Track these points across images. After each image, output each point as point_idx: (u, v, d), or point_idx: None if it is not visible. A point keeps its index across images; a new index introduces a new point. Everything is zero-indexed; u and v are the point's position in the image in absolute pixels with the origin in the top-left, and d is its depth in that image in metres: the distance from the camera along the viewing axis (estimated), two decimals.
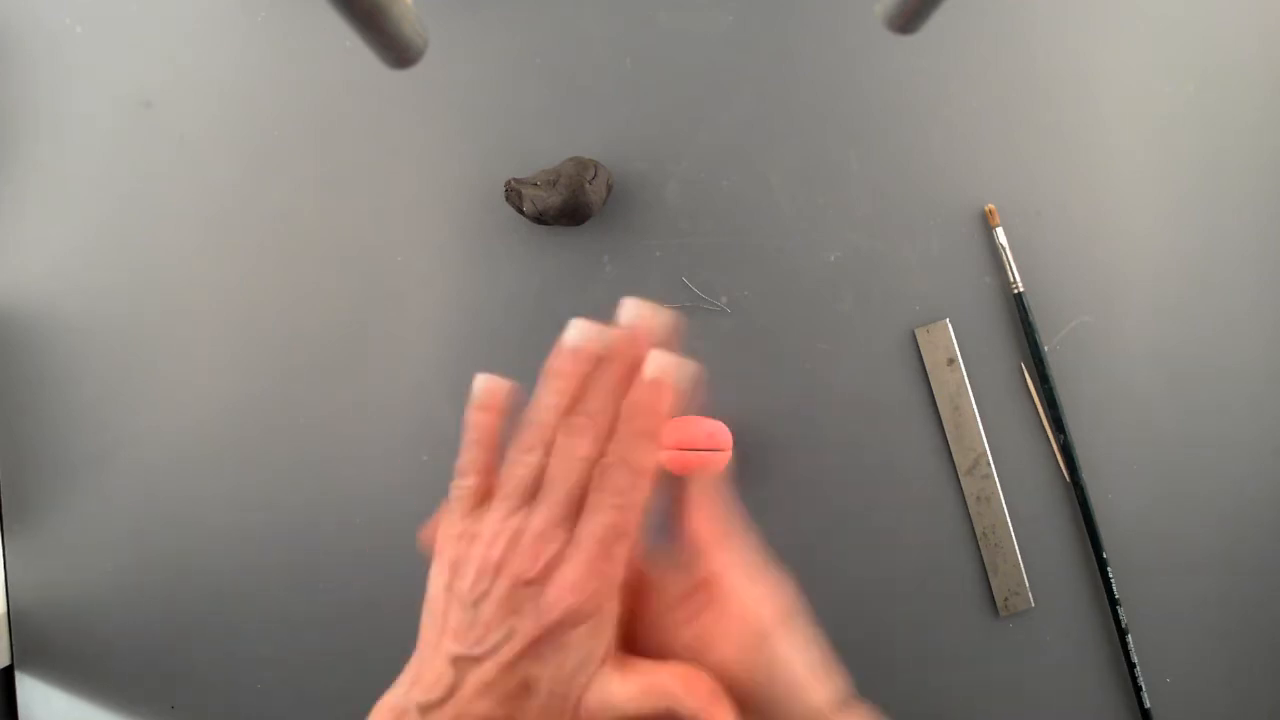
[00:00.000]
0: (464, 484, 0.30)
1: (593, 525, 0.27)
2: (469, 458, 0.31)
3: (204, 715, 0.54)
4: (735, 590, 0.30)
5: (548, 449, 0.29)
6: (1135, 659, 0.50)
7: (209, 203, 0.53)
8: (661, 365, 0.29)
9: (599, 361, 0.29)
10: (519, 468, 0.29)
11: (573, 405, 0.29)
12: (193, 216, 0.53)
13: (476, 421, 0.31)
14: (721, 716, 0.28)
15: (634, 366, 0.29)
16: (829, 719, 0.29)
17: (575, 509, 0.28)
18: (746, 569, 0.31)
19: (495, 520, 0.28)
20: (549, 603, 0.27)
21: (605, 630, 0.28)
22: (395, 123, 0.53)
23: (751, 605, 0.30)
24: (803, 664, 0.29)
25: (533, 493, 0.28)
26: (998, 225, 0.50)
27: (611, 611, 0.28)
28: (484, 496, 0.30)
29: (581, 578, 0.27)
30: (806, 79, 0.51)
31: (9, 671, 0.54)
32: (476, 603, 0.27)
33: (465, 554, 0.28)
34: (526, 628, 0.27)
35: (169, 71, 0.53)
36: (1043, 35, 0.51)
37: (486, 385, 0.31)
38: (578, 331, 0.30)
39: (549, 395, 0.29)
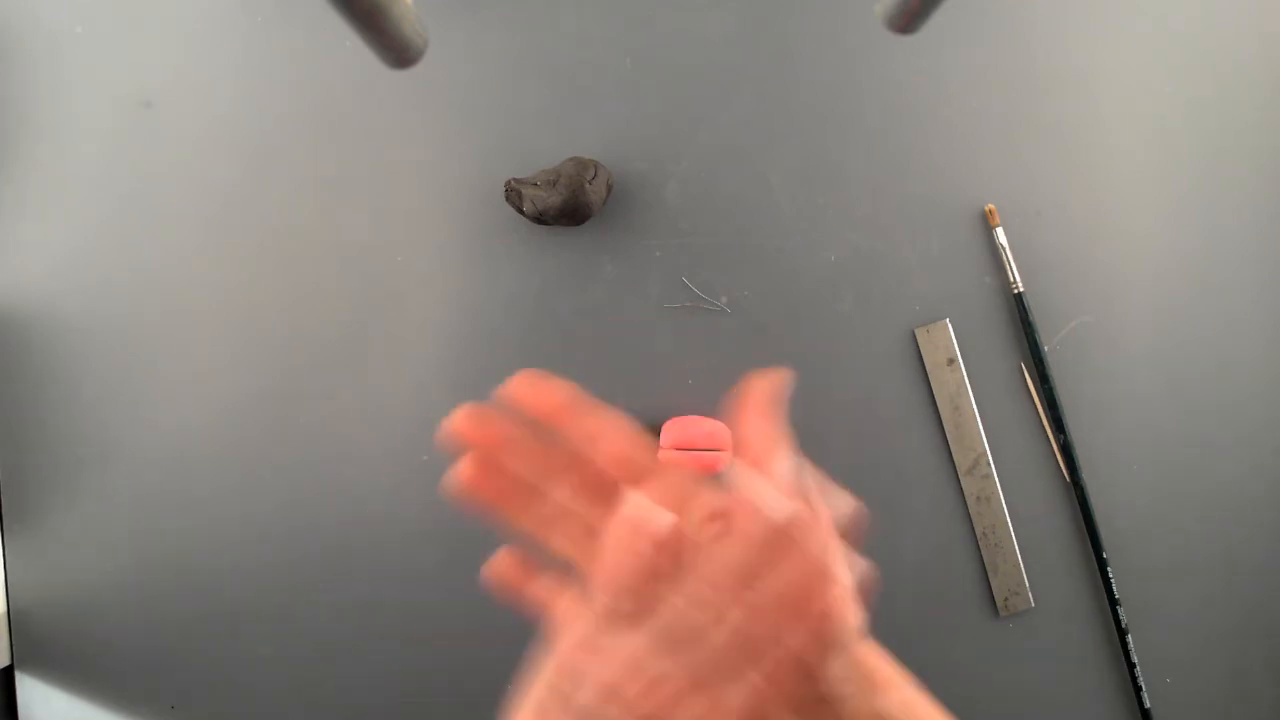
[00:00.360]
0: (615, 603, 0.28)
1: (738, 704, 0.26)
2: (633, 583, 0.28)
3: (204, 715, 0.54)
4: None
5: (721, 612, 0.27)
6: (1135, 659, 0.50)
7: (209, 203, 0.53)
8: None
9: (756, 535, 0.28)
10: (682, 615, 0.27)
11: (740, 578, 0.27)
12: (193, 216, 0.53)
13: (652, 557, 0.28)
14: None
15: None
16: (854, 644, 0.28)
17: (727, 678, 0.26)
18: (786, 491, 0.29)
19: (638, 651, 0.27)
20: None
21: None
22: (395, 123, 0.53)
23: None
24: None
25: (683, 642, 0.27)
26: (998, 225, 0.50)
27: None
28: (626, 620, 0.28)
29: None
30: (806, 79, 0.51)
31: (9, 671, 0.54)
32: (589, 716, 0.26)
33: (587, 668, 0.27)
34: None
35: (169, 71, 0.53)
36: (1043, 35, 0.51)
37: (669, 521, 0.28)
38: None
39: (725, 567, 0.27)
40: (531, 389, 0.30)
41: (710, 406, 0.51)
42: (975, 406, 0.51)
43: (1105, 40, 0.51)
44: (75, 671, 0.54)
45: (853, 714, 0.28)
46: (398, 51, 0.26)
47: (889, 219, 0.51)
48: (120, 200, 0.53)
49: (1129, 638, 0.50)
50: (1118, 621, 0.50)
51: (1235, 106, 0.51)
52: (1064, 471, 0.51)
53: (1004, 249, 0.50)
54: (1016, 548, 0.51)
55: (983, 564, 0.51)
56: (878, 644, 0.30)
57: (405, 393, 0.53)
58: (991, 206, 0.50)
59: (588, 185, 0.48)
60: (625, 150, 0.52)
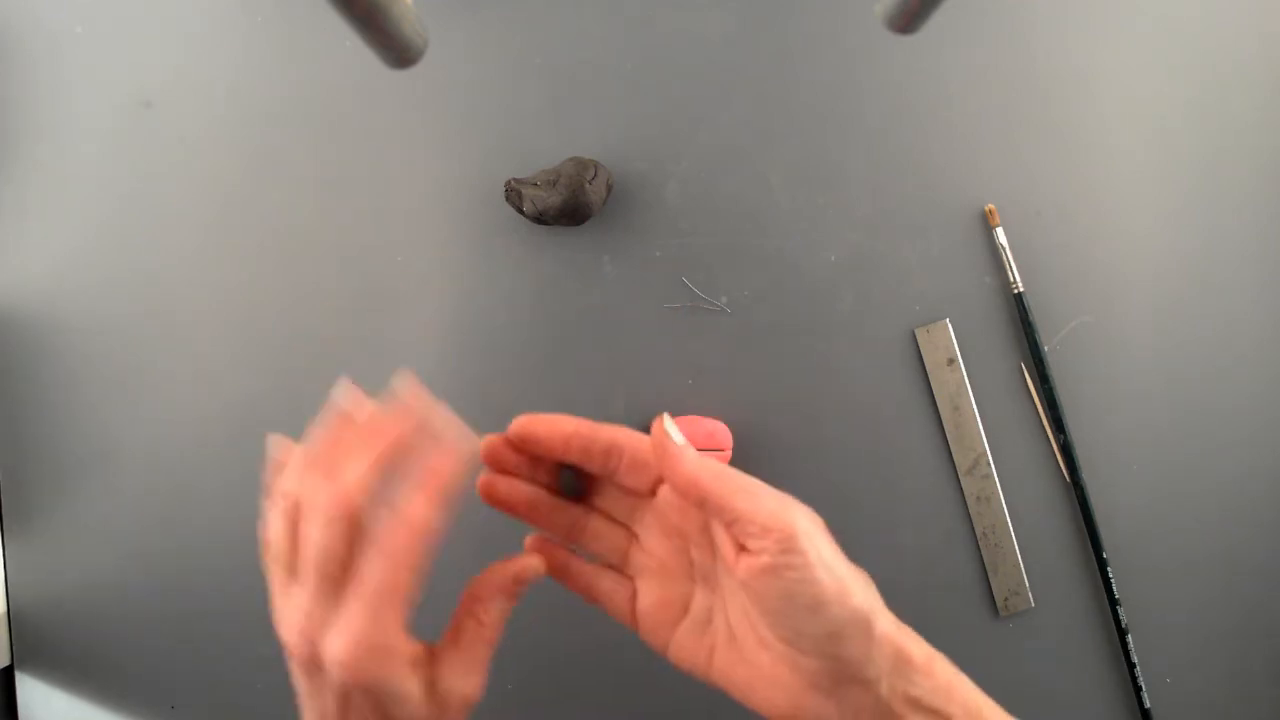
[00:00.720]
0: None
1: (359, 591, 0.27)
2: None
3: (204, 715, 0.54)
4: (753, 505, 0.28)
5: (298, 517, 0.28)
6: (1135, 659, 0.50)
7: (209, 203, 0.53)
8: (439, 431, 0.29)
9: (349, 426, 0.30)
10: (284, 545, 0.28)
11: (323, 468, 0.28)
12: (193, 216, 0.53)
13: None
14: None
15: (395, 433, 0.29)
16: (875, 620, 0.27)
17: (341, 575, 0.27)
18: (750, 487, 0.29)
19: (278, 601, 0.29)
20: (330, 676, 0.27)
21: (402, 677, 0.28)
22: (395, 123, 0.52)
23: (777, 510, 0.28)
24: (842, 563, 0.28)
25: (305, 566, 0.28)
26: (998, 225, 0.50)
27: (399, 664, 0.28)
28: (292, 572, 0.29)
29: (350, 647, 0.26)
30: (806, 79, 0.51)
31: (9, 671, 0.54)
32: (298, 681, 0.29)
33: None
34: (329, 701, 0.28)
35: (169, 71, 0.53)
36: (1043, 35, 0.51)
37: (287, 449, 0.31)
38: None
39: (299, 460, 0.29)
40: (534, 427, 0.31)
41: (710, 406, 0.51)
42: (975, 406, 0.51)
43: (1105, 40, 0.51)
44: (75, 671, 0.54)
45: (887, 697, 0.28)
46: (398, 51, 0.26)
47: (889, 219, 0.51)
48: (120, 200, 0.53)
49: (1129, 638, 0.50)
50: (1118, 621, 0.50)
51: (1235, 106, 0.51)
52: (1064, 471, 0.51)
53: (1004, 249, 0.50)
54: (1016, 548, 0.51)
55: (983, 564, 0.51)
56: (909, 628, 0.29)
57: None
58: (991, 206, 0.50)
59: (588, 185, 0.48)
60: (625, 150, 0.52)
